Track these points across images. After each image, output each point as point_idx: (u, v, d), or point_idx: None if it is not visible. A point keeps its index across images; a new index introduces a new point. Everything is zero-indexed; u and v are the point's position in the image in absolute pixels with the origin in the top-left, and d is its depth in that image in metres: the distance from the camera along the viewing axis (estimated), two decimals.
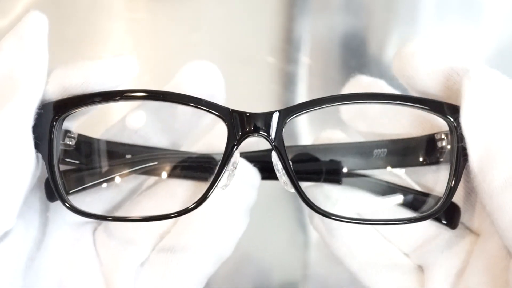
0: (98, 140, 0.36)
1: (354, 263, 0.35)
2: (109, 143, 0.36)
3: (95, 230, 0.36)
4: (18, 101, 0.30)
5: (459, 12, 0.60)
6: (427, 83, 0.32)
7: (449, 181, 0.32)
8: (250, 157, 0.36)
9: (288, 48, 0.60)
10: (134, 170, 0.36)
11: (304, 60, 0.59)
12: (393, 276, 0.35)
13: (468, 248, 0.34)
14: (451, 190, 0.32)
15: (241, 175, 0.35)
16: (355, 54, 0.59)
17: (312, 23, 0.60)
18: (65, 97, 0.32)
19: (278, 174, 0.33)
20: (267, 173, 0.35)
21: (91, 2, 0.59)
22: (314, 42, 0.59)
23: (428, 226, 0.35)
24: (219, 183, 0.32)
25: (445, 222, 0.34)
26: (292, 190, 0.33)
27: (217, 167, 0.32)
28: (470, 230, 0.34)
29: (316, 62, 0.59)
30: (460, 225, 0.34)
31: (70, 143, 0.34)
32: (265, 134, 0.32)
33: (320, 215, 0.33)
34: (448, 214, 0.34)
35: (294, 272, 0.57)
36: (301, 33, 0.60)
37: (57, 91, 0.32)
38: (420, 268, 0.35)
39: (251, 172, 0.36)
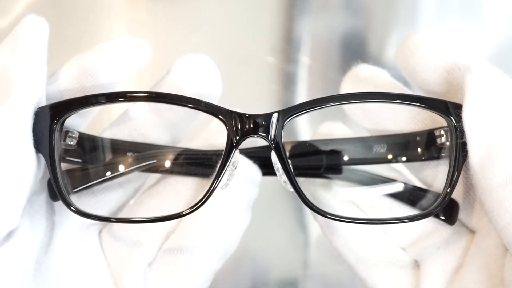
0: (99, 138, 0.36)
1: (351, 255, 0.35)
2: (110, 141, 0.36)
3: (100, 231, 0.36)
4: (13, 101, 0.30)
5: (459, 12, 0.60)
6: (428, 76, 0.32)
7: (448, 177, 0.32)
8: (250, 153, 0.36)
9: (288, 48, 0.60)
10: (136, 168, 0.36)
11: (304, 60, 0.59)
12: (389, 270, 0.35)
13: (465, 245, 0.34)
14: (450, 187, 0.32)
15: (242, 171, 0.35)
16: (355, 54, 0.59)
17: (312, 23, 0.60)
18: (77, 86, 0.33)
19: (277, 174, 0.33)
20: (267, 168, 0.35)
21: (91, 2, 0.59)
22: (314, 42, 0.59)
23: (426, 222, 0.35)
24: (219, 183, 0.33)
25: (443, 218, 0.34)
26: (292, 189, 0.33)
27: (217, 168, 0.32)
28: (467, 227, 0.35)
29: (316, 62, 0.59)
30: (457, 222, 0.34)
31: (71, 143, 0.34)
32: (264, 135, 0.32)
33: (322, 215, 0.33)
34: (447, 210, 0.34)
35: (293, 271, 0.57)
36: (301, 33, 0.60)
37: (75, 75, 0.33)
38: (417, 264, 0.35)
39: (252, 168, 0.36)
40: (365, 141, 0.36)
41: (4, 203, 0.30)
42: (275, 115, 0.32)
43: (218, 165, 0.32)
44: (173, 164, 0.36)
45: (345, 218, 0.33)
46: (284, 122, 0.32)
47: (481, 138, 0.30)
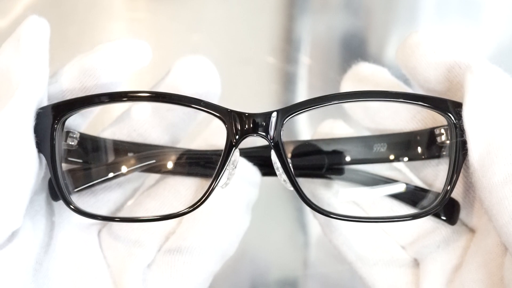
0: (99, 138, 0.36)
1: (351, 254, 0.36)
2: (110, 141, 0.36)
3: (99, 231, 0.36)
4: (15, 102, 0.30)
5: (459, 12, 0.60)
6: (429, 74, 0.33)
7: (448, 176, 0.32)
8: (249, 153, 0.36)
9: (288, 48, 0.60)
10: (137, 168, 0.36)
11: (304, 60, 0.59)
12: (388, 268, 0.35)
13: (465, 244, 0.34)
14: (450, 186, 0.32)
15: (242, 173, 0.35)
16: (355, 54, 0.59)
17: (312, 23, 0.60)
18: (81, 84, 0.33)
19: (277, 173, 0.33)
20: (268, 168, 0.35)
21: (91, 2, 0.59)
22: (314, 42, 0.59)
23: (425, 221, 0.35)
24: (219, 182, 0.33)
25: (444, 218, 0.34)
26: (291, 188, 0.33)
27: (217, 167, 0.32)
28: (467, 226, 0.35)
29: (316, 62, 0.59)
30: (457, 221, 0.34)
31: (72, 143, 0.35)
32: (264, 134, 0.32)
33: (322, 214, 0.33)
34: (448, 210, 0.34)
35: (293, 271, 0.57)
36: (301, 33, 0.60)
37: (77, 75, 0.33)
38: (416, 262, 0.35)
39: (251, 170, 0.36)
40: (366, 141, 0.36)
41: (8, 203, 0.30)
42: (274, 114, 0.32)
43: (218, 164, 0.32)
44: (173, 164, 0.36)
45: (345, 216, 0.33)
46: (283, 121, 0.32)
47: (481, 136, 0.30)
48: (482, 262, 0.32)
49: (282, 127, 0.32)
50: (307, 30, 0.60)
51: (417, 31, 0.33)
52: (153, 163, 0.36)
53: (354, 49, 0.59)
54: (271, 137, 0.32)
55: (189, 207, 0.33)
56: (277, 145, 0.32)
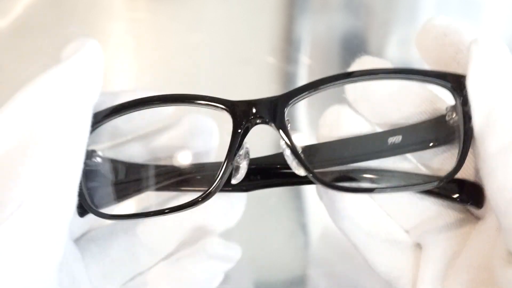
0: (121, 162, 0.37)
1: (354, 236, 0.36)
2: (132, 164, 0.37)
3: (78, 245, 0.37)
4: (81, 121, 0.31)
5: (459, 12, 0.60)
6: (439, 55, 0.33)
7: (460, 147, 0.32)
8: (257, 159, 0.36)
9: (288, 48, 0.60)
10: (158, 188, 0.37)
11: (304, 60, 0.59)
12: (391, 251, 0.35)
13: (467, 231, 0.34)
14: (461, 156, 0.32)
15: (224, 252, 0.38)
16: (355, 54, 0.59)
17: (312, 23, 0.60)
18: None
19: (288, 161, 0.33)
20: (276, 179, 0.36)
21: (91, 2, 0.59)
22: (314, 42, 0.59)
23: (429, 206, 0.35)
24: (225, 175, 0.33)
25: (470, 203, 0.34)
26: (303, 174, 0.33)
27: (225, 157, 0.32)
28: (471, 213, 0.35)
29: (316, 62, 0.59)
30: (462, 208, 0.35)
31: (96, 160, 0.35)
32: (269, 118, 0.32)
33: (331, 188, 0.34)
34: (472, 194, 0.34)
35: (293, 272, 0.57)
36: (301, 33, 0.60)
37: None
38: (419, 246, 0.36)
39: (233, 248, 0.38)
40: (379, 137, 0.36)
41: (60, 233, 0.30)
42: (278, 99, 0.32)
43: (226, 154, 0.32)
44: (184, 178, 0.37)
45: (354, 189, 0.33)
46: (288, 104, 0.32)
47: (482, 103, 0.31)
48: (481, 247, 0.32)
49: (285, 110, 0.32)
50: (307, 30, 0.60)
51: (434, 17, 0.34)
52: (172, 181, 0.37)
53: (354, 49, 0.59)
54: (277, 123, 0.32)
55: (203, 194, 0.33)
56: (283, 129, 0.32)
